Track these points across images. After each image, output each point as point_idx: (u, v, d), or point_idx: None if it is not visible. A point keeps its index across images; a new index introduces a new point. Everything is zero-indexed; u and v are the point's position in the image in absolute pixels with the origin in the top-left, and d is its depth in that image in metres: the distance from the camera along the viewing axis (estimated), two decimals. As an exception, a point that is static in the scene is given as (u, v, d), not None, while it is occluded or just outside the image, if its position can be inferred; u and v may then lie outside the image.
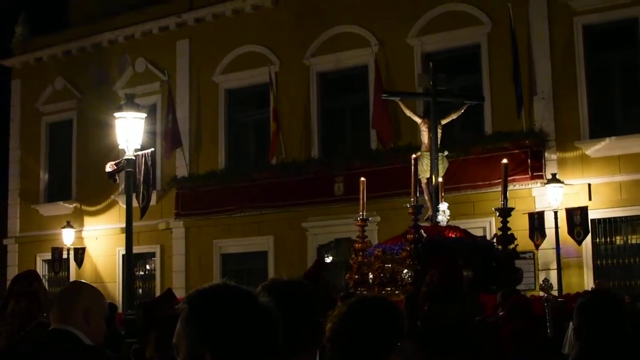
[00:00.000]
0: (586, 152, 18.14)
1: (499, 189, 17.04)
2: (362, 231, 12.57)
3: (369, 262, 12.22)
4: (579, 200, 17.89)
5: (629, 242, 17.90)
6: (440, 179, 13.63)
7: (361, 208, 12.50)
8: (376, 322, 2.80)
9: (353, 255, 12.59)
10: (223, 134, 23.04)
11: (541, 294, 12.99)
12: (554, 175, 17.86)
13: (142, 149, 13.72)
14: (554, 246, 17.54)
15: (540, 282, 13.77)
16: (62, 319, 3.80)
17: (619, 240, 18.00)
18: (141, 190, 14.43)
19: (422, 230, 11.85)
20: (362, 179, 12.67)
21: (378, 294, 9.55)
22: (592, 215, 17.67)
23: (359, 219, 12.54)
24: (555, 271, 17.50)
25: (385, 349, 2.75)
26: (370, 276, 12.02)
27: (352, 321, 2.81)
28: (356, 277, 12.23)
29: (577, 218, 17.58)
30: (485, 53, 19.58)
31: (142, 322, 6.03)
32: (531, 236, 17.87)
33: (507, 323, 7.99)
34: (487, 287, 11.32)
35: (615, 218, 17.89)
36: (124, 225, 13.71)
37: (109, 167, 14.01)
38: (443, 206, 13.29)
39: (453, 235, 12.63)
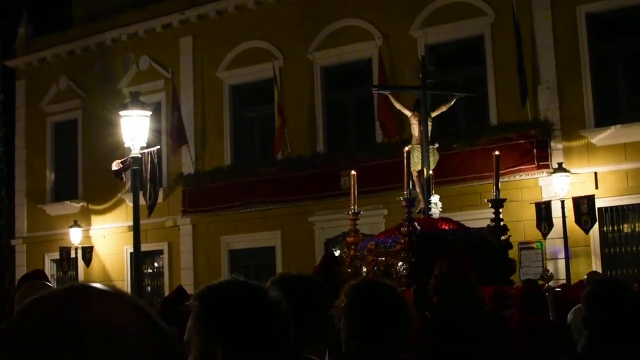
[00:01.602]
0: (592, 141, 18.09)
1: (506, 179, 17.17)
2: (353, 225, 12.61)
3: (362, 256, 12.25)
4: (585, 189, 17.85)
5: (636, 230, 17.86)
6: (431, 172, 13.67)
7: (352, 202, 12.54)
8: (384, 305, 2.83)
9: (345, 249, 12.63)
10: (228, 130, 23.05)
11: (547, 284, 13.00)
12: (560, 164, 17.81)
13: (148, 146, 13.69)
14: (562, 235, 17.53)
15: (542, 272, 13.78)
16: None
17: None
18: (148, 188, 14.42)
19: (416, 223, 11.89)
20: (353, 172, 12.71)
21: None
22: (599, 203, 17.63)
23: (350, 212, 12.58)
24: (564, 260, 17.48)
25: (394, 335, 2.77)
26: (364, 270, 12.06)
27: (363, 301, 2.84)
28: (349, 270, 12.26)
29: (584, 207, 17.55)
30: (488, 44, 19.53)
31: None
32: (538, 226, 17.87)
33: (516, 316, 7.98)
34: (480, 278, 11.32)
35: (622, 206, 17.87)
36: (131, 223, 13.70)
37: (115, 165, 14.00)
38: (434, 198, 13.31)
39: (446, 227, 12.66)
